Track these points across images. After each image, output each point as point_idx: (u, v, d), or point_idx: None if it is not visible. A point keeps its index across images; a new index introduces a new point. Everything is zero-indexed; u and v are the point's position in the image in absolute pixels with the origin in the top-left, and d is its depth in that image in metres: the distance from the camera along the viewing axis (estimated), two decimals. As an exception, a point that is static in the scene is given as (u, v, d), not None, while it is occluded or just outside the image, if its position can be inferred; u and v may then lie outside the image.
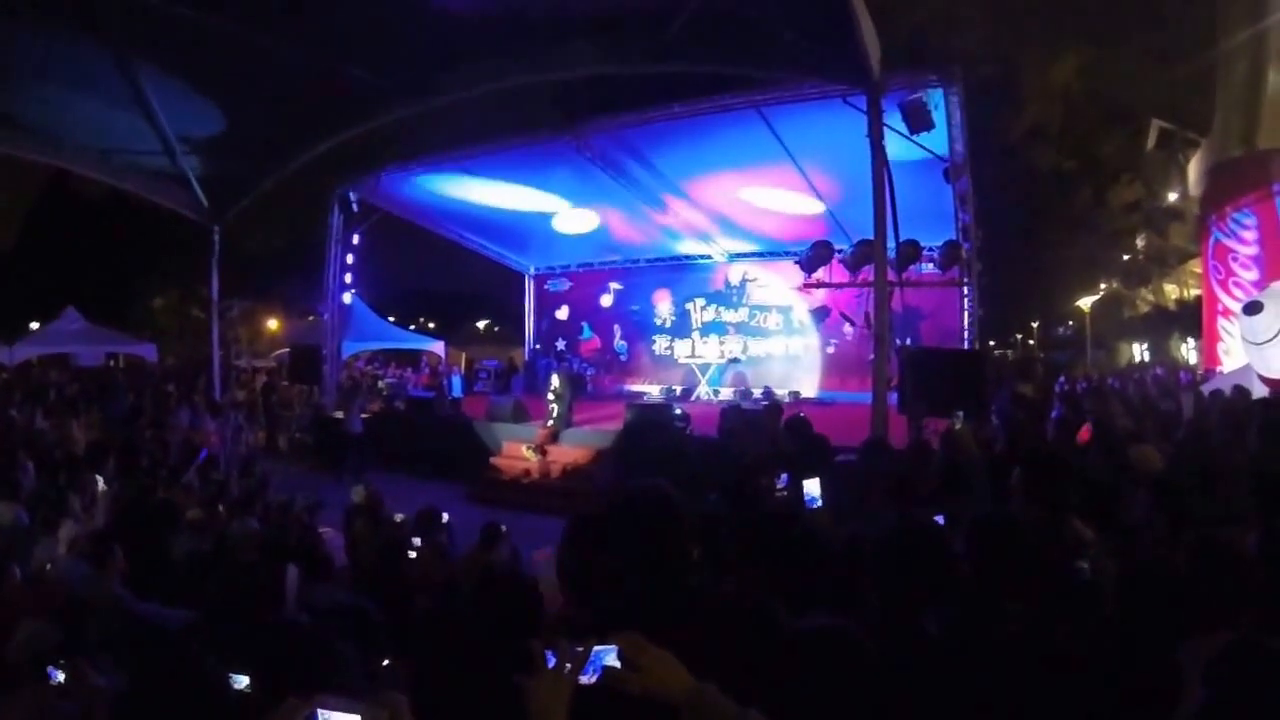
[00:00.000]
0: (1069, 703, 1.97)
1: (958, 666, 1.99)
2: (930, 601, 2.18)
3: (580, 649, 1.40)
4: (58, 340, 22.88)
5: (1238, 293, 16.73)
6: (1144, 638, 2.20)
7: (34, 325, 26.07)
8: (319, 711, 1.17)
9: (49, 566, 4.32)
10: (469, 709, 1.86)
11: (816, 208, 15.83)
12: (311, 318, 24.06)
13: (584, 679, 1.39)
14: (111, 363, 25.50)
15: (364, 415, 14.96)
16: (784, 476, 4.66)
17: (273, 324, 32.56)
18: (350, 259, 17.24)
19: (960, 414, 8.99)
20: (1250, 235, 17.18)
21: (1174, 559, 2.54)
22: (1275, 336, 11.05)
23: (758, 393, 18.74)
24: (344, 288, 17.52)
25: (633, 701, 1.37)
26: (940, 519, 3.44)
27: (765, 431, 9.77)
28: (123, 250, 33.50)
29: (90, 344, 23.23)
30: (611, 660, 1.39)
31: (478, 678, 1.90)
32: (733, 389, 19.69)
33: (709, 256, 20.79)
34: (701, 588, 1.98)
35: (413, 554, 5.92)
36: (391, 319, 27.15)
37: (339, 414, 14.94)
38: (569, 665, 1.39)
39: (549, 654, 1.40)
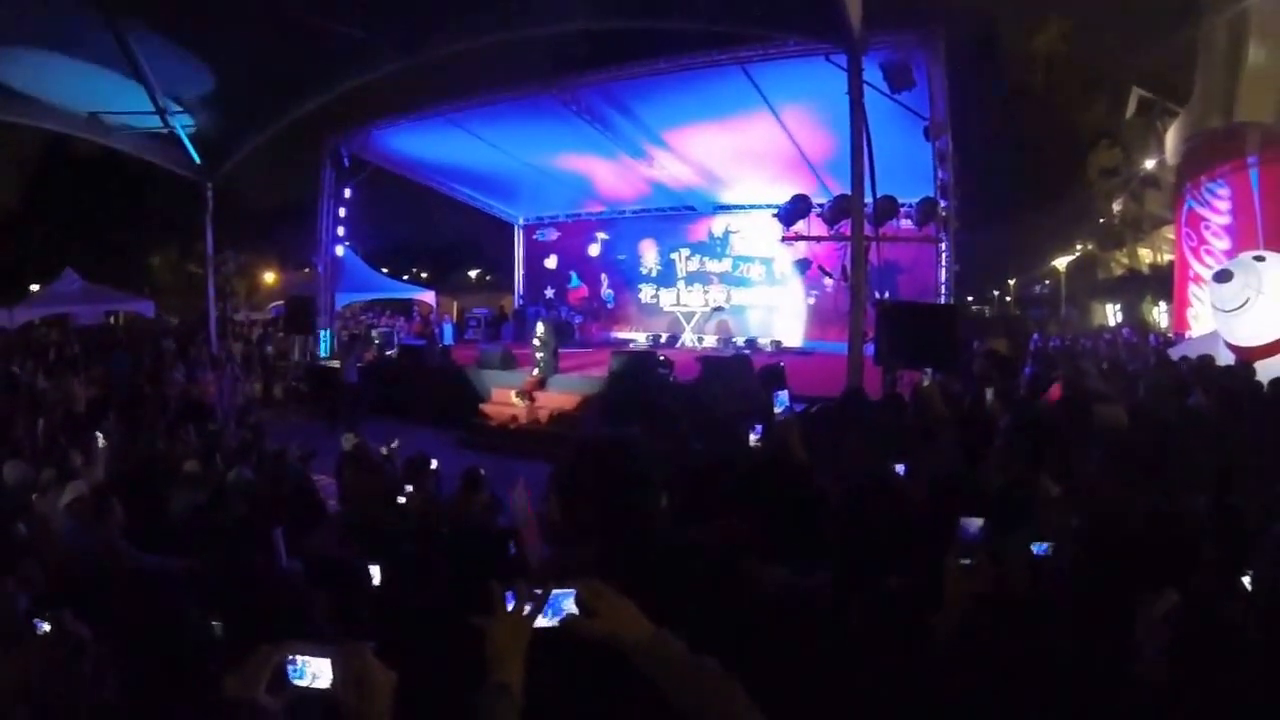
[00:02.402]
0: (1023, 658, 2.01)
1: (912, 621, 2.04)
2: (890, 556, 2.20)
3: (539, 591, 1.40)
4: (57, 301, 23.06)
5: (1209, 260, 17.02)
6: (1097, 593, 2.20)
7: (34, 288, 26.27)
8: (293, 657, 1.21)
9: (50, 522, 4.33)
10: (433, 651, 1.92)
11: (798, 162, 15.96)
12: (307, 269, 24.09)
13: (543, 622, 1.39)
14: (112, 320, 25.61)
15: (359, 365, 15.15)
16: (758, 427, 4.75)
17: (270, 277, 32.66)
18: (343, 212, 17.42)
19: (929, 370, 9.19)
20: (1223, 205, 17.45)
21: (1127, 519, 2.65)
22: (1243, 305, 11.24)
23: (741, 341, 19.06)
24: (337, 241, 17.77)
25: (591, 646, 1.36)
26: (902, 468, 3.65)
27: (734, 379, 10.10)
28: (120, 208, 33.23)
29: (89, 303, 23.41)
30: (570, 605, 1.38)
31: (439, 621, 1.98)
32: (717, 337, 20.03)
33: (693, 208, 20.87)
34: (667, 536, 1.95)
35: (402, 500, 6.15)
36: (385, 270, 27.18)
37: (335, 363, 15.12)
38: (527, 608, 1.39)
39: (508, 595, 1.40)
